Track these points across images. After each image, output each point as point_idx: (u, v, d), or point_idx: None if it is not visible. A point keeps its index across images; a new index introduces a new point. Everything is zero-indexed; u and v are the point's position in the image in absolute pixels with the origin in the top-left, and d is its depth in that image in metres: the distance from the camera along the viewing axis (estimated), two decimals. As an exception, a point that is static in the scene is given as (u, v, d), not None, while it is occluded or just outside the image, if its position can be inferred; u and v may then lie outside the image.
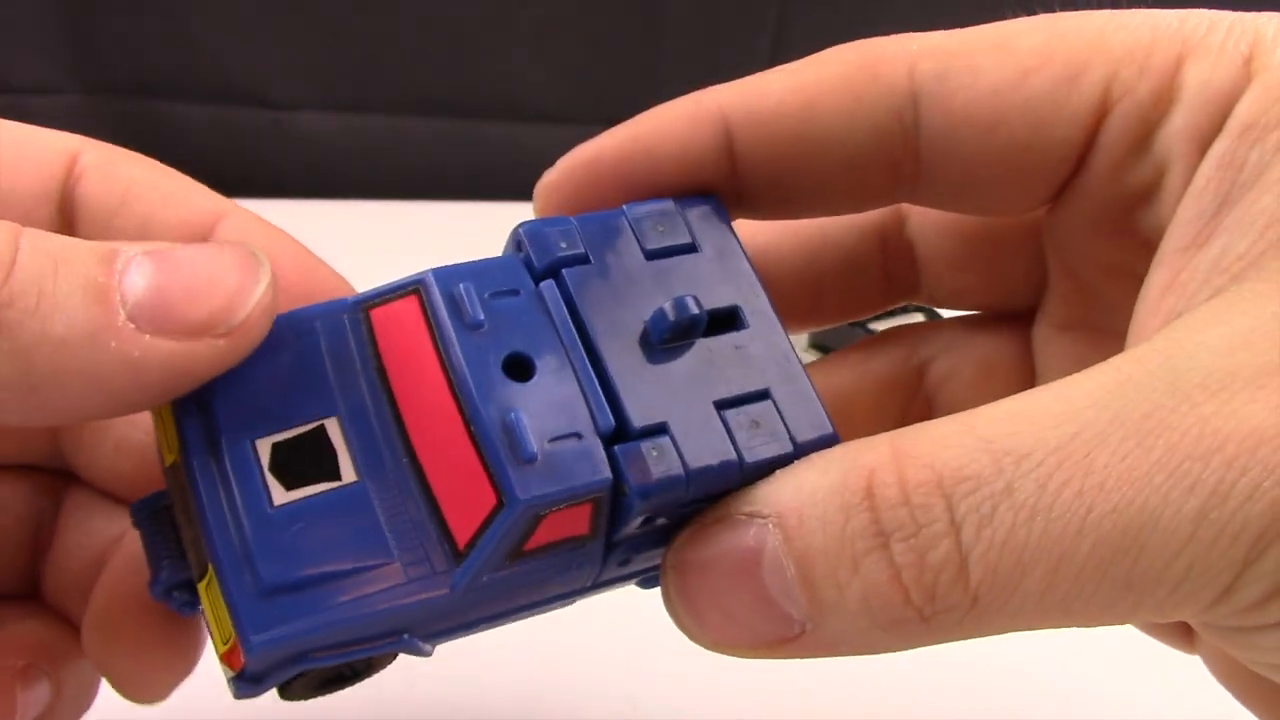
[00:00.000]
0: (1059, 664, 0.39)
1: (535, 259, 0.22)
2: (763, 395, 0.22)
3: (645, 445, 0.21)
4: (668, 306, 0.22)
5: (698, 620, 0.21)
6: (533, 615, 0.23)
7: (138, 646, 0.26)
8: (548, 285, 0.22)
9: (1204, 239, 0.22)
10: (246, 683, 0.21)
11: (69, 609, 0.27)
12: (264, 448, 0.21)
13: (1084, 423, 0.19)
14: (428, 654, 0.22)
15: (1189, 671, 0.28)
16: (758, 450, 0.22)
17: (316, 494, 0.21)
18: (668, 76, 0.63)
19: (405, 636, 0.21)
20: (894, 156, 0.24)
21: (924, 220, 0.28)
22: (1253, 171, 0.22)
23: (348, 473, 0.21)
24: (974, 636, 0.20)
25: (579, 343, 0.22)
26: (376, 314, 0.22)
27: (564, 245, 0.22)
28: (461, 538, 0.21)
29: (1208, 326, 0.20)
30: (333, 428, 0.22)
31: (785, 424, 0.22)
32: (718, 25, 0.63)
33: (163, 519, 0.23)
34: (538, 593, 0.23)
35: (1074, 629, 0.21)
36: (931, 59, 0.24)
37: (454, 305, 0.21)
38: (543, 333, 0.22)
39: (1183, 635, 0.27)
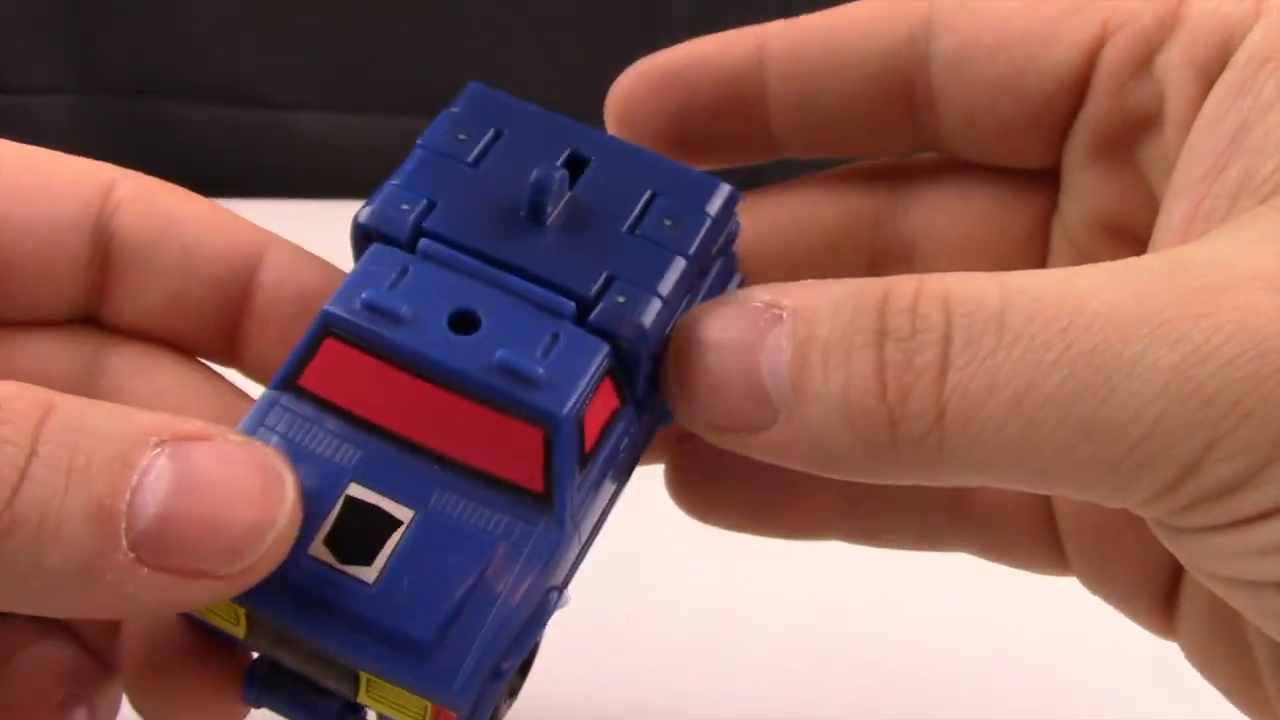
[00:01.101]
0: (1058, 666, 0.39)
1: (395, 232, 0.23)
2: (653, 198, 0.23)
3: (610, 300, 0.22)
4: (536, 180, 0.23)
5: (686, 388, 0.22)
6: (620, 496, 0.24)
7: (193, 700, 0.25)
8: (426, 244, 0.23)
9: (1222, 165, 0.22)
10: None
11: (89, 635, 0.27)
12: (320, 551, 0.21)
13: (1087, 280, 0.20)
14: (568, 602, 0.23)
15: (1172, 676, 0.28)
16: (687, 238, 0.23)
17: (394, 548, 0.21)
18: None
19: (554, 596, 0.22)
20: (908, 80, 0.25)
21: (924, 212, 0.28)
22: (1270, 98, 0.22)
23: (401, 513, 0.21)
24: (935, 470, 0.20)
25: (490, 267, 0.22)
26: (306, 380, 0.22)
27: (406, 207, 0.23)
28: (535, 484, 0.21)
29: (1223, 235, 0.21)
30: (357, 490, 0.21)
31: (687, 204, 0.24)
32: (718, 26, 0.63)
33: (278, 679, 0.23)
34: (615, 476, 0.24)
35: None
36: None
37: (373, 316, 0.22)
38: (457, 283, 0.22)
39: (1162, 615, 0.27)
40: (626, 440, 0.23)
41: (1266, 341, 0.19)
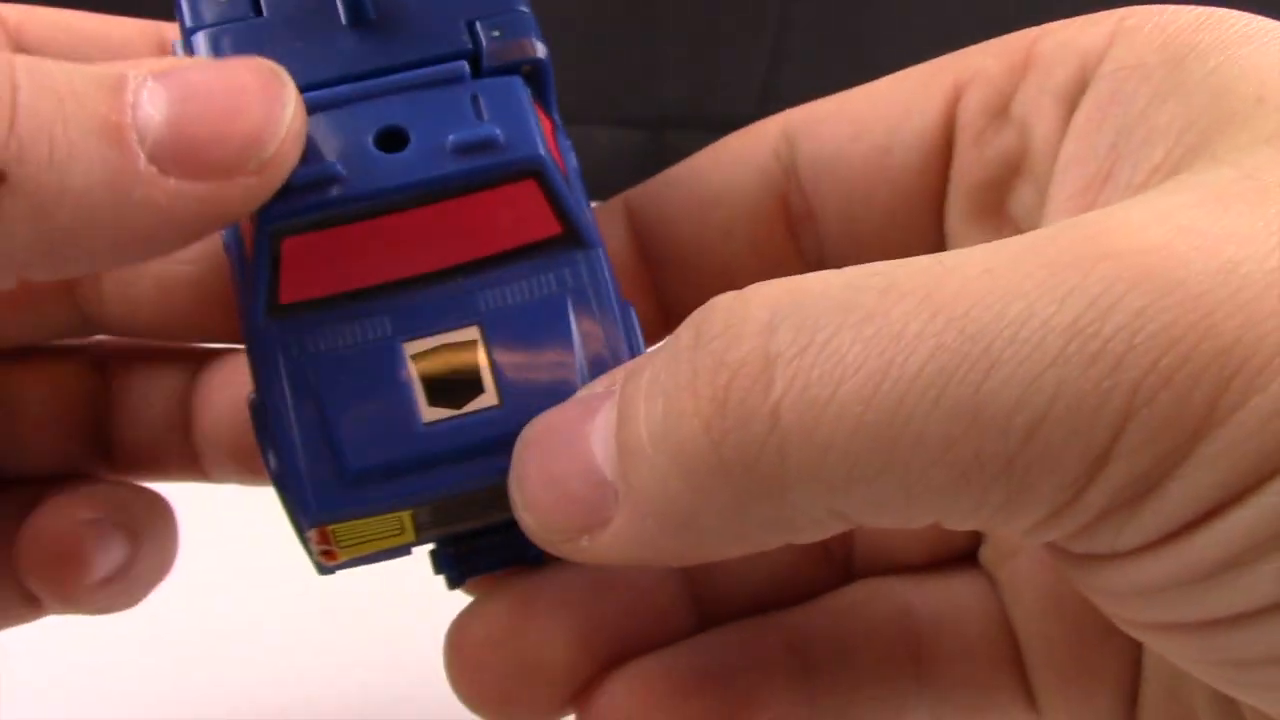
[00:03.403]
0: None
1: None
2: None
3: (488, 39, 0.22)
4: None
5: (525, 493, 0.20)
6: None
7: None
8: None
9: (1106, 172, 0.20)
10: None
11: (143, 471, 0.28)
12: (433, 413, 0.21)
13: (954, 256, 0.17)
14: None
15: None
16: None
17: (488, 363, 0.21)
18: (668, 76, 0.62)
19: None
20: (782, 197, 0.25)
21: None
22: (1144, 102, 0.20)
23: (467, 335, 0.21)
24: (783, 484, 0.16)
25: (366, 83, 0.22)
26: (286, 294, 0.21)
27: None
28: (553, 228, 0.22)
29: (1116, 206, 0.18)
30: (414, 346, 0.21)
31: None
32: (718, 25, 0.62)
33: (463, 550, 0.23)
34: (578, 184, 0.24)
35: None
36: (801, 110, 0.25)
37: (311, 192, 0.21)
38: (355, 113, 0.21)
39: None
40: (568, 146, 0.24)
41: (1183, 286, 0.15)
